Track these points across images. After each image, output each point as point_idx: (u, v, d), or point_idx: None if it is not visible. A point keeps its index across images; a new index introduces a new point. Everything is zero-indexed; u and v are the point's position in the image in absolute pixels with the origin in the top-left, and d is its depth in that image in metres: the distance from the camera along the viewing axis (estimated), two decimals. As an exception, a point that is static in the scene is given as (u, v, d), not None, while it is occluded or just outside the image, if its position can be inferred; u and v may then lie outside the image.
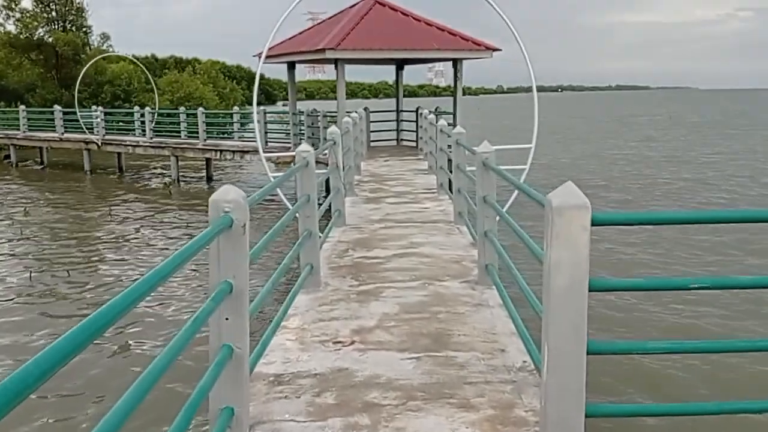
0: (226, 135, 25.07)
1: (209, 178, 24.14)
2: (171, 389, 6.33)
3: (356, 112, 15.61)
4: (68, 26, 42.94)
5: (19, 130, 29.34)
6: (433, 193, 10.65)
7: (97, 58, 37.47)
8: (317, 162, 6.12)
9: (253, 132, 18.54)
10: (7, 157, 30.18)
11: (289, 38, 19.54)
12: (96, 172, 26.58)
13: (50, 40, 41.58)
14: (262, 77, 14.99)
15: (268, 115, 22.31)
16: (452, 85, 18.58)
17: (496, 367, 3.77)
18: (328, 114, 18.53)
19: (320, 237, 5.97)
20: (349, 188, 10.19)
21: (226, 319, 2.79)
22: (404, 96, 22.66)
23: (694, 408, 2.55)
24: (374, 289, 5.34)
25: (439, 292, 5.25)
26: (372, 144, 19.88)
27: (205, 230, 2.57)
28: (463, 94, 18.34)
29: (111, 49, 46.43)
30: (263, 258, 9.18)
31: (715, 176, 23.52)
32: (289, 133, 20.70)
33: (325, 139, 8.73)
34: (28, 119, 29.40)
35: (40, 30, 42.09)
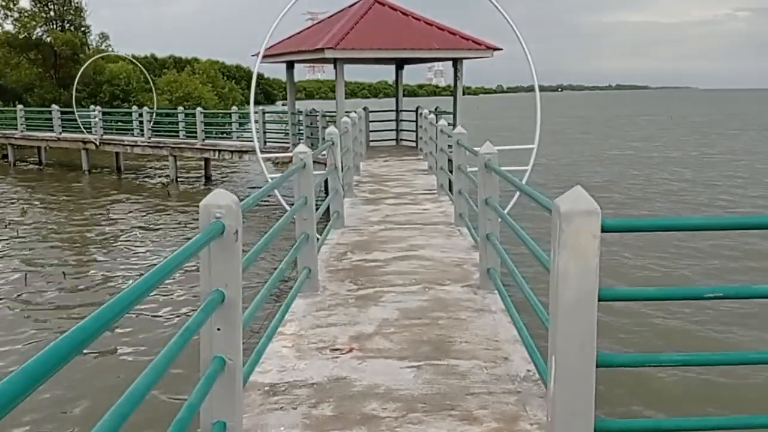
0: (225, 135, 24.95)
1: (207, 178, 24.02)
2: (160, 401, 6.17)
3: (355, 111, 15.48)
4: (66, 26, 42.82)
5: (16, 129, 29.21)
6: (433, 194, 10.52)
7: (95, 57, 37.33)
8: (316, 162, 6.00)
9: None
10: (5, 156, 30.05)
11: (288, 38, 19.41)
12: (94, 171, 26.44)
13: (48, 39, 41.46)
14: (261, 77, 14.90)
15: (266, 114, 22.18)
16: (452, 84, 18.45)
17: (499, 376, 3.64)
18: (327, 114, 18.40)
19: (318, 239, 5.84)
20: (348, 189, 10.07)
21: (218, 329, 2.66)
22: (404, 96, 22.52)
23: (713, 423, 2.42)
24: (373, 294, 5.21)
25: (439, 296, 5.13)
26: (371, 144, 19.76)
27: (195, 237, 2.44)
28: (463, 93, 18.19)
29: (110, 49, 46.35)
30: (258, 260, 9.01)
31: (716, 177, 23.42)
32: (287, 133, 20.58)
33: (323, 139, 8.60)
34: (26, 119, 29.26)
35: (39, 29, 42.00)
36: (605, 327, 8.34)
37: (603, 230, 2.47)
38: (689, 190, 20.71)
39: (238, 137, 23.91)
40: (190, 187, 23.29)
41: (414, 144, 19.55)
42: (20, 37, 41.28)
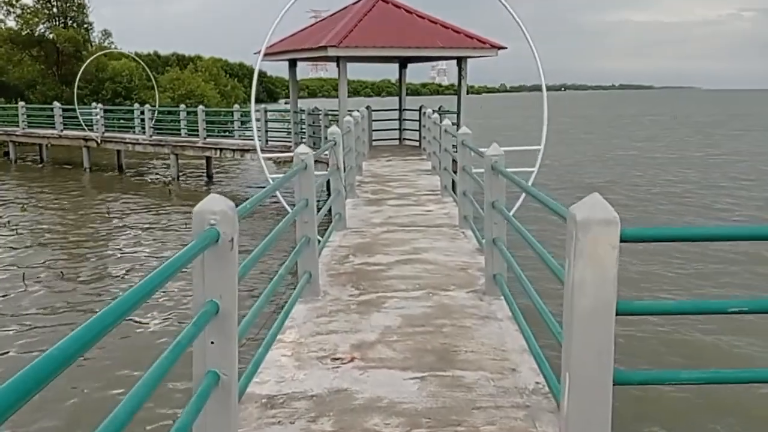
0: (227, 133, 24.81)
1: (209, 177, 23.89)
2: (149, 419, 5.97)
3: (358, 110, 15.33)
4: (69, 23, 42.71)
5: (18, 126, 29.11)
6: (437, 194, 10.37)
7: (98, 54, 37.23)
8: (318, 162, 5.86)
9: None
10: (6, 154, 29.95)
11: (291, 35, 19.25)
12: (95, 169, 26.31)
13: (51, 36, 41.39)
14: (264, 75, 14.78)
15: (268, 113, 22.02)
16: (455, 83, 18.26)
17: (507, 389, 3.48)
18: (330, 113, 18.24)
19: (320, 241, 5.69)
20: (351, 189, 9.92)
21: (212, 342, 2.51)
22: (407, 95, 22.34)
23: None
24: (375, 299, 5.06)
25: (444, 302, 4.97)
26: (374, 143, 19.60)
27: (188, 245, 2.29)
28: (467, 92, 18.02)
29: (113, 46, 46.25)
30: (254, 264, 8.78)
31: (720, 178, 23.23)
32: (290, 132, 20.42)
33: (326, 138, 8.45)
34: (28, 116, 29.16)
35: (41, 26, 41.94)
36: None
37: (622, 240, 2.32)
38: (695, 192, 20.52)
39: (240, 136, 23.77)
40: (192, 185, 23.16)
41: (417, 144, 19.39)
42: (23, 33, 41.22)
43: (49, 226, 16.02)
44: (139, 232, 15.39)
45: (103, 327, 1.62)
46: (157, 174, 25.92)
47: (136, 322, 9.01)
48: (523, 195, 10.42)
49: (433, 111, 15.48)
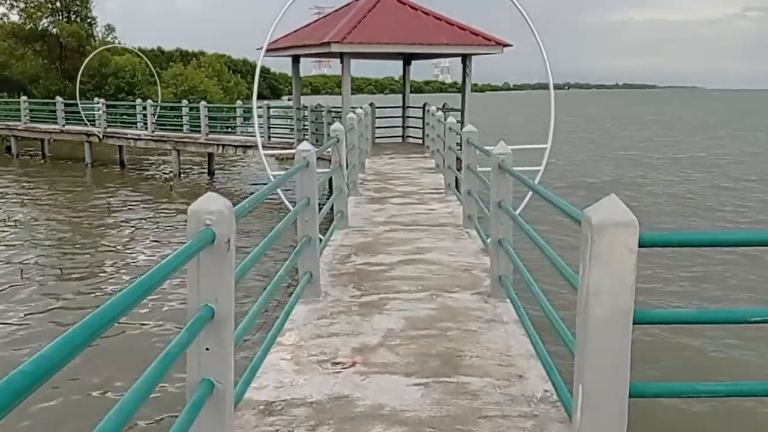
0: (229, 129, 24.69)
1: (211, 173, 23.77)
2: (140, 428, 5.84)
3: (361, 107, 15.18)
4: (73, 17, 42.55)
5: (20, 121, 29.01)
6: (441, 193, 10.24)
7: (101, 49, 37.10)
8: (321, 159, 5.73)
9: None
10: (8, 148, 29.86)
11: (294, 31, 19.11)
12: (97, 165, 26.21)
13: (54, 30, 41.22)
14: (267, 71, 14.73)
15: (271, 110, 21.89)
16: (458, 81, 18.10)
17: (513, 397, 3.36)
18: (333, 109, 18.11)
19: (321, 240, 5.56)
20: (353, 187, 9.79)
21: (207, 349, 2.38)
22: (410, 92, 22.19)
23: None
24: (378, 301, 4.93)
25: (448, 304, 4.85)
26: (377, 141, 19.46)
27: (182, 247, 2.16)
28: (471, 90, 17.86)
29: (116, 41, 46.07)
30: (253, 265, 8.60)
31: (724, 178, 23.05)
32: (292, 129, 20.29)
33: (329, 135, 8.32)
34: (30, 110, 29.07)
35: (44, 20, 41.73)
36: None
37: (641, 245, 2.19)
38: (698, 193, 20.36)
39: (242, 132, 23.65)
40: (194, 181, 23.05)
41: (420, 141, 19.25)
42: (26, 28, 41.05)
43: (49, 222, 15.92)
44: (140, 228, 15.29)
45: (90, 333, 1.51)
46: (158, 170, 25.81)
47: (137, 322, 8.90)
48: (529, 195, 10.29)
49: (438, 109, 15.33)
